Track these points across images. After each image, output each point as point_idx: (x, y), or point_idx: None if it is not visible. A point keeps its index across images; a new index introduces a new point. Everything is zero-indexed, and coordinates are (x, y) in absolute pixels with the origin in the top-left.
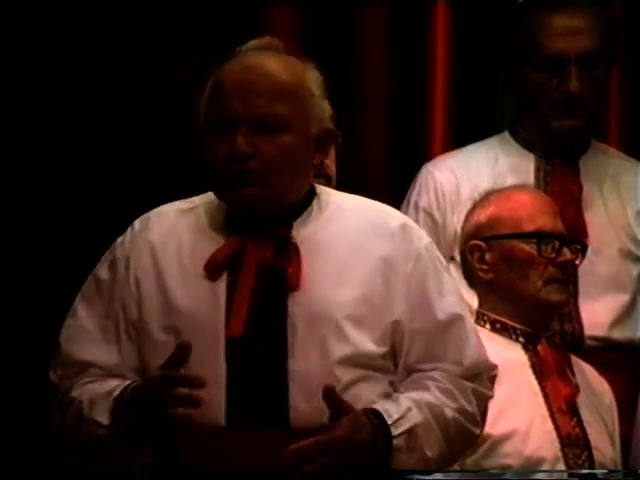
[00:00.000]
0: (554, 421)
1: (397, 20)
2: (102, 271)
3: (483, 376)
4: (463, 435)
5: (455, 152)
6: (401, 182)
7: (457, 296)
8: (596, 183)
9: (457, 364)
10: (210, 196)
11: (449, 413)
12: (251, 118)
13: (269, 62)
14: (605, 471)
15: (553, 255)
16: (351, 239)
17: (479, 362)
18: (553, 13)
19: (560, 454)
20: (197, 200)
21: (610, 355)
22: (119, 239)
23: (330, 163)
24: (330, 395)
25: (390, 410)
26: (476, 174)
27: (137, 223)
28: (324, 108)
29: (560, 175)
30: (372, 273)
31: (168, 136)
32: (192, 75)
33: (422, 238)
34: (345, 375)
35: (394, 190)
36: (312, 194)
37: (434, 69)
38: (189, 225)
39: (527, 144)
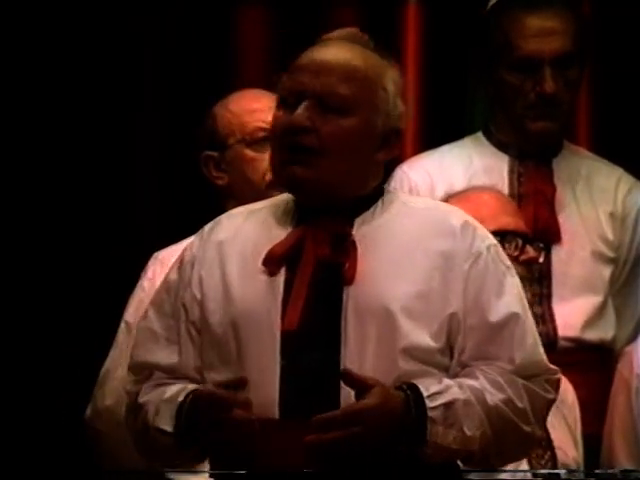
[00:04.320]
0: None
1: (367, 20)
2: (172, 273)
3: (540, 378)
4: (510, 428)
5: (429, 153)
6: None
7: (516, 297)
8: (569, 185)
9: (509, 362)
10: (281, 197)
11: (492, 399)
12: (316, 94)
13: (348, 51)
14: (567, 471)
15: (517, 253)
16: (411, 236)
17: (534, 362)
18: (526, 14)
19: None
20: (268, 201)
21: (583, 356)
22: (189, 242)
23: None
24: (348, 377)
25: (428, 385)
26: (451, 174)
27: (207, 226)
28: (396, 106)
29: (534, 176)
30: (430, 269)
31: (138, 134)
32: (163, 75)
33: (485, 238)
34: (401, 368)
35: None
36: (380, 193)
37: (405, 69)
38: (256, 223)
39: (501, 145)
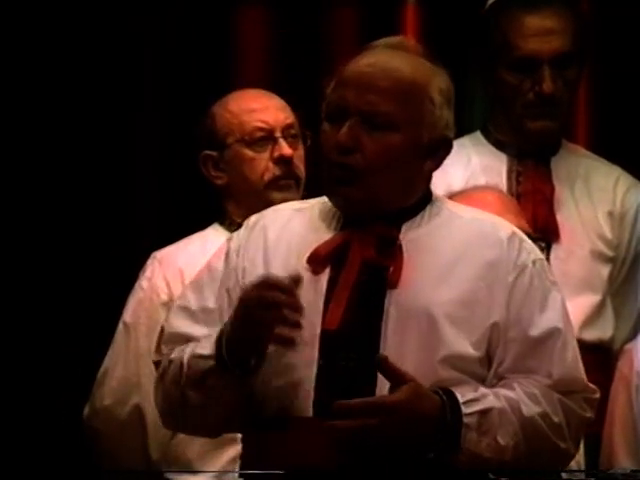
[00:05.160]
0: None
1: (367, 20)
2: (215, 261)
3: (577, 395)
4: (544, 442)
5: None
6: None
7: (560, 312)
8: (567, 184)
9: (547, 376)
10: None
11: (528, 411)
12: (361, 111)
13: (394, 61)
14: (568, 471)
15: None
16: (458, 245)
17: (572, 378)
18: (526, 14)
19: None
20: (313, 201)
21: (581, 356)
22: (235, 232)
23: (299, 165)
24: (384, 365)
25: (464, 391)
26: (449, 174)
27: (253, 217)
28: (442, 116)
29: (532, 176)
30: (475, 278)
31: (137, 135)
32: (163, 75)
33: (531, 252)
34: (440, 375)
35: None
36: (427, 200)
37: None
38: (302, 222)
39: (499, 144)
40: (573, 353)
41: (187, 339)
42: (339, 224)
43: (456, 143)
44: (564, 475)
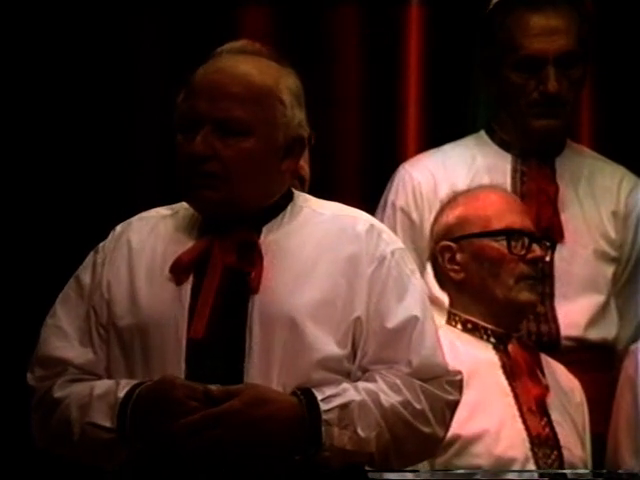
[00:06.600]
0: (524, 421)
1: (370, 20)
2: (84, 274)
3: (440, 380)
4: (408, 429)
5: (432, 151)
6: (375, 182)
7: (418, 300)
8: (571, 184)
9: (407, 365)
10: None
11: (388, 400)
12: (214, 119)
13: (241, 65)
14: (574, 471)
15: (523, 252)
16: (318, 243)
17: (432, 365)
18: (530, 13)
19: (530, 454)
20: (178, 206)
21: (585, 355)
22: (101, 243)
23: (304, 164)
24: (212, 397)
25: (324, 388)
26: (453, 174)
27: (119, 227)
28: (294, 116)
29: (536, 176)
30: (336, 276)
31: (137, 137)
32: (163, 77)
33: (390, 242)
34: (306, 378)
35: (368, 190)
36: (288, 199)
37: (407, 69)
38: (166, 230)
39: (504, 144)
40: (432, 340)
41: (62, 362)
42: (202, 229)
43: (460, 143)
44: (570, 475)
